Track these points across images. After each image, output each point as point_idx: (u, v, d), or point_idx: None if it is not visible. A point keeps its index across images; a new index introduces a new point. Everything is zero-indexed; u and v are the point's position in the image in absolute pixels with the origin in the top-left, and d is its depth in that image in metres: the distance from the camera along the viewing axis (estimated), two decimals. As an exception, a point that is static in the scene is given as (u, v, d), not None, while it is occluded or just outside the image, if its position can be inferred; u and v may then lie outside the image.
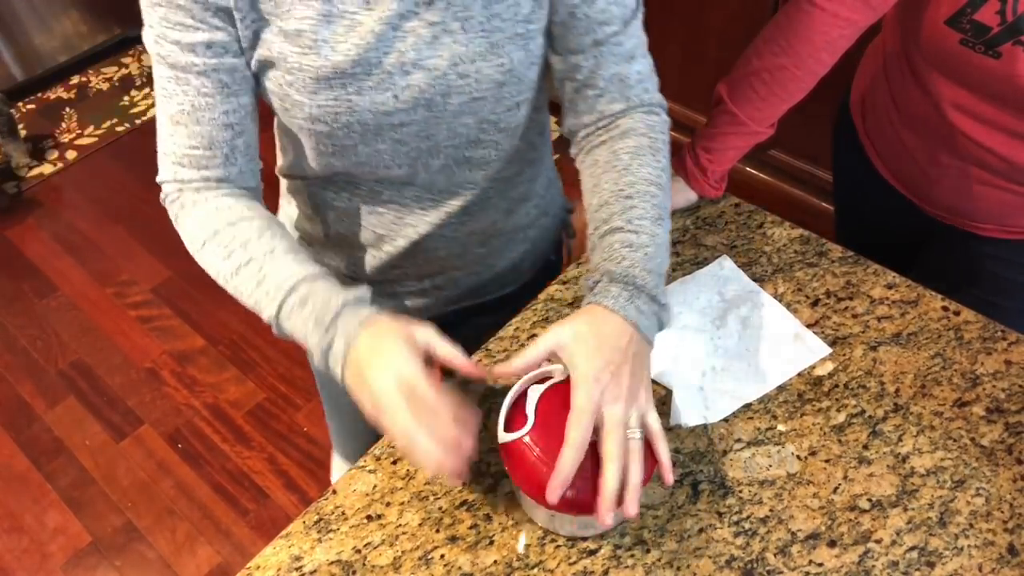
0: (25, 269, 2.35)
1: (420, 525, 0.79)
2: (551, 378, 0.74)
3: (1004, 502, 0.79)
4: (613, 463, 0.68)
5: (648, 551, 0.77)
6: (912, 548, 0.76)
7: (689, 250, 1.03)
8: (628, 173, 0.80)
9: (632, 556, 0.76)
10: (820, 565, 0.75)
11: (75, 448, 1.98)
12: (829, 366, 0.90)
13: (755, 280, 0.99)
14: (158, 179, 0.82)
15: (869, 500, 0.80)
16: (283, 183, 1.00)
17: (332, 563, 0.77)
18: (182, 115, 0.76)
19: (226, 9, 0.72)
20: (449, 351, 0.72)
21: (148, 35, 0.75)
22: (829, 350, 0.91)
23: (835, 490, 0.81)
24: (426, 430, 0.67)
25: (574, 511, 0.71)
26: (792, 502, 0.80)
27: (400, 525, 0.79)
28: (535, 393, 0.73)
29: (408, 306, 1.04)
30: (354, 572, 0.76)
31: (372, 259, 0.97)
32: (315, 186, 0.92)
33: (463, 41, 0.75)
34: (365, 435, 1.12)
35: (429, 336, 0.72)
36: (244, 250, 0.77)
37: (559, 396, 0.72)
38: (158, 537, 1.82)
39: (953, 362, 0.90)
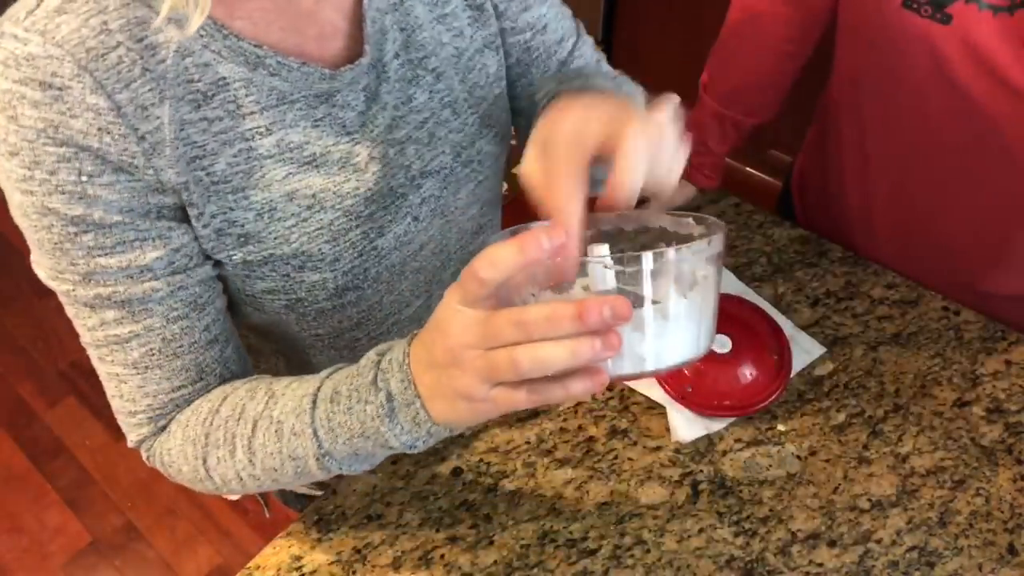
0: (25, 269, 2.34)
1: (420, 525, 0.79)
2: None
3: (1004, 502, 0.79)
4: (628, 156, 0.50)
5: (648, 551, 0.77)
6: (912, 548, 0.76)
7: (689, 250, 1.02)
8: (578, 71, 0.76)
9: (632, 556, 0.76)
10: (820, 565, 0.75)
11: (75, 448, 1.98)
12: (829, 366, 0.90)
13: (755, 280, 0.99)
14: (131, 443, 0.65)
15: (869, 500, 0.80)
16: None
17: (332, 563, 0.77)
18: (151, 356, 0.60)
19: (172, 206, 0.57)
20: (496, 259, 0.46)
21: (67, 276, 0.57)
22: (823, 349, 0.91)
23: (835, 490, 0.81)
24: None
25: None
26: (792, 502, 0.80)
27: (400, 525, 0.79)
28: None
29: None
30: (354, 572, 0.76)
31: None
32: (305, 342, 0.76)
33: (458, 127, 0.69)
34: None
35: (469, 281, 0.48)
36: (243, 421, 0.60)
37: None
38: (158, 537, 1.82)
39: (953, 362, 0.90)
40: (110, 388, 0.63)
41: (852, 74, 0.92)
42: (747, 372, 0.85)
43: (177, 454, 0.62)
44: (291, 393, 0.59)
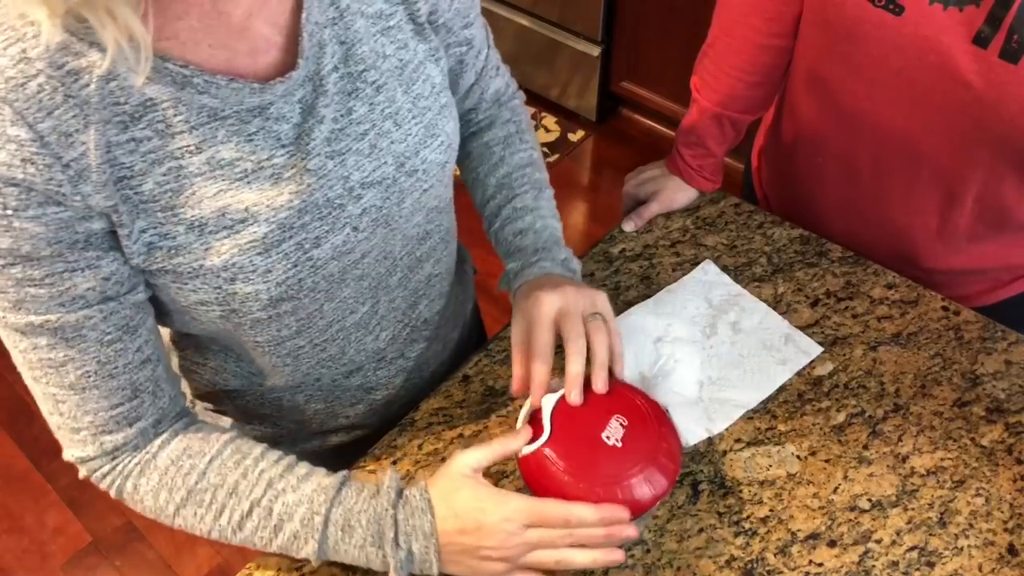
0: (25, 269, 2.35)
1: (420, 525, 0.79)
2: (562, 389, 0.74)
3: (1004, 502, 0.79)
4: (573, 343, 0.73)
5: (648, 551, 0.77)
6: (912, 548, 0.76)
7: (689, 250, 1.03)
8: (503, 165, 0.86)
9: (632, 556, 0.76)
10: (820, 565, 0.75)
11: (75, 448, 1.98)
12: (829, 366, 0.90)
13: (755, 280, 0.99)
14: (71, 457, 0.67)
15: (869, 500, 0.80)
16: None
17: (332, 563, 0.77)
18: (88, 378, 0.62)
19: (101, 232, 0.58)
20: (493, 453, 0.69)
21: None
22: (820, 349, 0.91)
23: (835, 490, 0.81)
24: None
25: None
26: (792, 502, 0.80)
27: (400, 525, 0.79)
28: (549, 403, 0.72)
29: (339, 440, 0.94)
30: (354, 572, 0.76)
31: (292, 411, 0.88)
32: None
33: (400, 137, 0.69)
34: None
35: (470, 459, 0.68)
36: (236, 497, 0.66)
37: (574, 406, 0.72)
38: (158, 537, 1.82)
39: (953, 362, 0.90)
40: (47, 407, 0.65)
41: (809, 58, 0.95)
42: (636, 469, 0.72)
43: (147, 493, 0.67)
44: (294, 495, 0.66)
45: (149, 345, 0.65)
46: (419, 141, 0.70)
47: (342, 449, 0.93)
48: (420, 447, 0.85)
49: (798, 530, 0.78)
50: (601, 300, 0.78)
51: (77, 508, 1.87)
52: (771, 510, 0.79)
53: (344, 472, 0.70)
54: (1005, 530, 0.77)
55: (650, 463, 0.69)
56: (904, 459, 0.83)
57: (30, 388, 0.64)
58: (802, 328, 0.94)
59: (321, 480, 0.68)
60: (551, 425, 0.71)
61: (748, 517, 0.79)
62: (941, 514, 0.78)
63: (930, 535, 0.77)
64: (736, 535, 0.78)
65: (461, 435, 0.85)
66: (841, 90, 0.92)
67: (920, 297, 0.96)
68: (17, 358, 0.62)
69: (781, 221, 1.06)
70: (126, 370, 0.63)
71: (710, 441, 0.84)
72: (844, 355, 0.91)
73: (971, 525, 0.78)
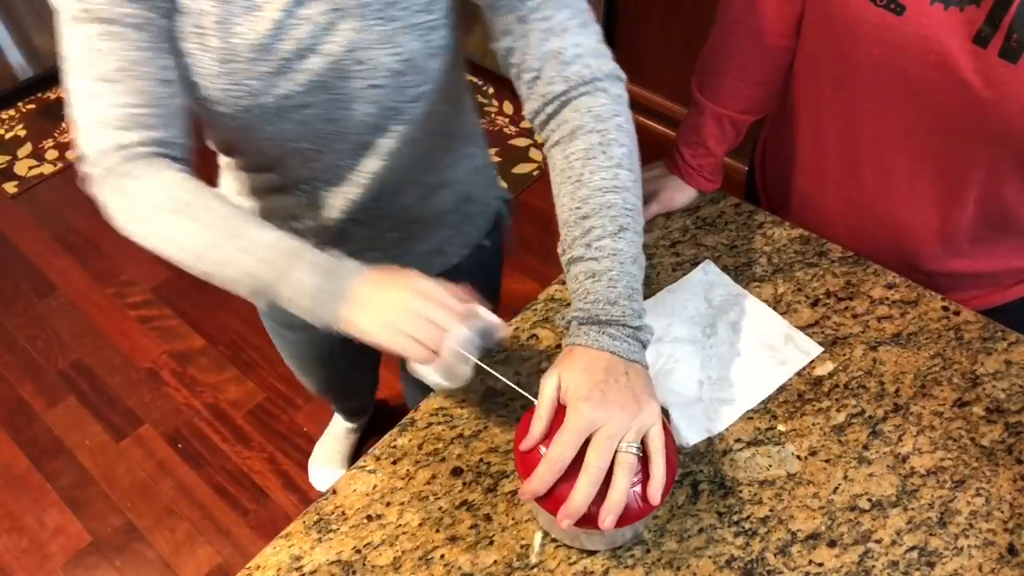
0: (25, 269, 2.35)
1: (420, 525, 0.79)
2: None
3: (1004, 502, 0.79)
4: (586, 474, 0.66)
5: (648, 551, 0.77)
6: (912, 548, 0.76)
7: (689, 250, 1.03)
8: (581, 186, 0.76)
9: (632, 556, 0.76)
10: (820, 565, 0.75)
11: (75, 448, 1.98)
12: (829, 366, 0.90)
13: (755, 280, 0.99)
14: (85, 149, 0.75)
15: (869, 500, 0.80)
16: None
17: (332, 563, 0.77)
18: (118, 72, 0.72)
19: None
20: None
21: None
22: (820, 349, 0.91)
23: (835, 490, 0.81)
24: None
25: (585, 524, 0.69)
26: (792, 502, 0.80)
27: (400, 525, 0.79)
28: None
29: None
30: (354, 572, 0.76)
31: (308, 230, 0.98)
32: (235, 158, 0.94)
33: (359, 28, 0.75)
34: (319, 373, 1.39)
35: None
36: (227, 223, 0.74)
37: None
38: (158, 537, 1.82)
39: (953, 362, 0.90)
40: (80, 102, 0.74)
41: (811, 57, 0.95)
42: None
43: (142, 195, 0.75)
44: (279, 238, 0.74)
45: (170, 73, 0.74)
46: (375, 40, 0.76)
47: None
48: (420, 447, 0.85)
49: (798, 530, 0.78)
50: (648, 415, 0.69)
51: (77, 508, 1.87)
52: (771, 510, 0.79)
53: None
54: (1005, 530, 0.77)
55: (643, 475, 0.69)
56: (904, 459, 0.83)
57: (71, 89, 0.74)
58: (802, 328, 0.94)
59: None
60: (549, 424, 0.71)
61: (748, 517, 0.79)
62: (941, 514, 0.79)
63: (930, 535, 0.77)
64: (736, 535, 0.78)
65: (461, 435, 0.85)
66: (842, 90, 0.92)
67: (920, 297, 0.96)
68: (71, 53, 0.73)
69: (781, 221, 1.06)
70: (150, 79, 0.73)
71: (710, 441, 0.84)
72: (844, 355, 0.91)
73: (971, 525, 0.78)
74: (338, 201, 0.92)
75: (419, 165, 0.93)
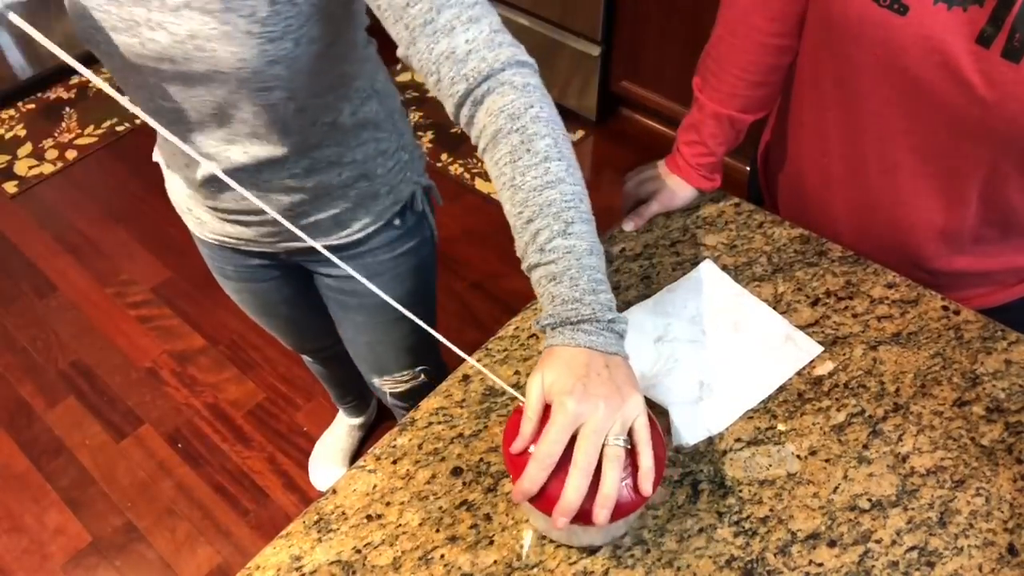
0: (25, 269, 2.35)
1: (420, 525, 0.79)
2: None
3: (1004, 502, 0.79)
4: (576, 469, 0.66)
5: (648, 551, 0.77)
6: (912, 548, 0.76)
7: (689, 250, 1.03)
8: (517, 190, 0.75)
9: (632, 556, 0.76)
10: (820, 565, 0.75)
11: (75, 448, 1.98)
12: (829, 365, 0.90)
13: (755, 280, 0.99)
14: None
15: (869, 500, 0.80)
16: None
17: (332, 563, 0.77)
18: None
19: None
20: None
21: None
22: (820, 349, 0.91)
23: (835, 490, 0.81)
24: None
25: (579, 521, 0.69)
26: (792, 502, 0.80)
27: (400, 525, 0.79)
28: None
29: (249, 235, 1.10)
30: (354, 572, 0.76)
31: (194, 183, 1.03)
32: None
33: (199, 21, 0.78)
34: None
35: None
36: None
37: None
38: (158, 537, 1.82)
39: (953, 362, 0.90)
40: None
41: (813, 57, 0.95)
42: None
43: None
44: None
45: None
46: (213, 35, 0.79)
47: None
48: (420, 447, 0.85)
49: (798, 530, 0.78)
50: (632, 406, 0.69)
51: (77, 508, 1.87)
52: (771, 510, 0.79)
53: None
54: (1005, 530, 0.77)
55: (632, 467, 0.69)
56: (904, 459, 0.83)
57: None
58: (802, 328, 0.94)
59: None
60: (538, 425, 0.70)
61: (748, 517, 0.79)
62: (941, 514, 0.79)
63: (930, 535, 0.77)
64: (736, 535, 0.78)
65: (461, 435, 0.85)
66: (844, 89, 0.92)
67: (920, 297, 0.96)
68: None
69: (781, 221, 1.06)
70: None
71: (710, 441, 0.84)
72: (844, 355, 0.91)
73: (971, 525, 0.78)
74: (218, 157, 0.95)
75: (304, 143, 0.96)
